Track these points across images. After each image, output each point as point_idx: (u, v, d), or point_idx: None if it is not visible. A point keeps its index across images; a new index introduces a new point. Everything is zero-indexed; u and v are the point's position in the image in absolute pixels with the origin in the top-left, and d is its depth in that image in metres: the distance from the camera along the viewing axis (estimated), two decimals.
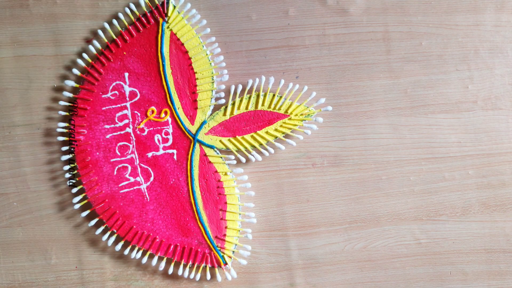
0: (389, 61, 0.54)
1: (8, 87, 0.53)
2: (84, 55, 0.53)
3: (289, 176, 0.54)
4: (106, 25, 0.53)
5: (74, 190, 0.52)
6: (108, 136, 0.52)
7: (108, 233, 0.51)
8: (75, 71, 0.53)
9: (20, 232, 0.53)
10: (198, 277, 0.51)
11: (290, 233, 0.54)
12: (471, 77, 0.55)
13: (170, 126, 0.52)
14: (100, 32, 0.53)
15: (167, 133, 0.52)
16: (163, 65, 0.52)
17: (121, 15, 0.53)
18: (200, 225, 0.52)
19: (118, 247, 0.52)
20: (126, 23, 0.53)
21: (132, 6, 0.53)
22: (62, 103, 0.52)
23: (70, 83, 0.52)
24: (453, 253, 0.54)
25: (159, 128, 0.52)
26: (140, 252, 0.52)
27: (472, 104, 0.55)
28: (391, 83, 0.54)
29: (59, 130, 0.53)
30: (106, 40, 0.53)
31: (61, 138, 0.52)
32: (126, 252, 0.51)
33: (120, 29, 0.53)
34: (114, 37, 0.53)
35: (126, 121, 0.52)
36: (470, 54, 0.55)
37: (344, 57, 0.54)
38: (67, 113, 0.52)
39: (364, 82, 0.54)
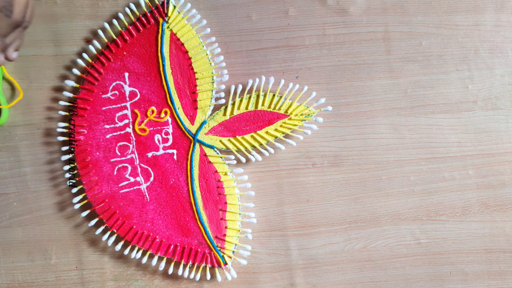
0: (389, 61, 0.54)
1: (8, 87, 0.53)
2: (84, 55, 0.53)
3: (289, 176, 0.54)
4: (106, 25, 0.53)
5: (74, 190, 0.52)
6: (108, 136, 0.52)
7: (108, 233, 0.52)
8: (75, 71, 0.52)
9: (20, 232, 0.53)
10: (198, 277, 0.51)
11: (290, 233, 0.54)
12: (471, 77, 0.55)
13: (170, 126, 0.52)
14: (100, 32, 0.53)
15: (167, 133, 0.52)
16: (163, 65, 0.52)
17: (121, 15, 0.53)
18: (200, 225, 0.52)
19: (118, 247, 0.52)
20: (126, 23, 0.53)
21: (132, 6, 0.53)
22: (62, 103, 0.52)
23: (70, 83, 0.52)
24: (453, 253, 0.54)
25: (159, 128, 0.52)
26: (140, 252, 0.52)
27: (472, 104, 0.55)
28: (391, 83, 0.54)
29: (59, 130, 0.53)
30: (106, 40, 0.53)
31: (61, 138, 0.52)
32: (126, 252, 0.51)
33: (120, 29, 0.53)
34: (114, 37, 0.53)
35: (126, 121, 0.52)
36: (470, 54, 0.55)
37: (344, 57, 0.54)
38: (67, 113, 0.52)
39: (364, 82, 0.54)
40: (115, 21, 0.52)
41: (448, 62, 0.55)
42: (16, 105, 0.53)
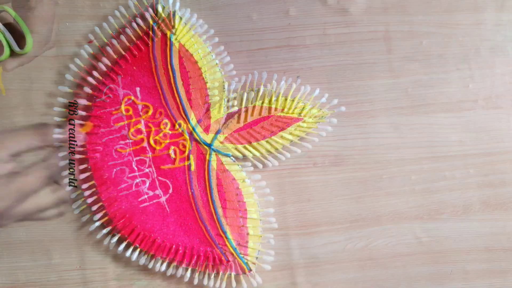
0: (390, 61, 0.55)
1: (9, 88, 0.53)
2: (95, 73, 0.52)
3: (290, 175, 0.54)
4: (114, 42, 0.52)
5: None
6: (124, 152, 0.52)
7: (131, 248, 0.52)
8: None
9: (22, 232, 0.53)
10: (224, 285, 0.51)
11: (292, 232, 0.54)
12: (472, 76, 0.55)
13: (185, 137, 0.52)
14: (109, 49, 0.52)
15: (182, 145, 0.52)
16: (174, 77, 0.52)
17: (128, 31, 0.52)
18: (221, 233, 0.52)
19: (142, 260, 0.52)
20: (134, 38, 0.52)
21: (139, 21, 0.52)
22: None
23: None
24: (454, 251, 0.54)
25: (174, 140, 0.52)
26: (165, 264, 0.52)
27: (473, 103, 0.55)
28: (392, 83, 0.55)
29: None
30: (115, 56, 0.52)
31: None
32: (151, 265, 0.52)
33: (127, 44, 0.52)
34: (123, 52, 0.52)
35: (141, 135, 0.52)
36: (470, 53, 0.55)
37: (345, 56, 0.54)
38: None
39: (365, 81, 0.54)
40: (122, 37, 0.52)
41: (449, 61, 0.55)
42: (17, 106, 0.53)
